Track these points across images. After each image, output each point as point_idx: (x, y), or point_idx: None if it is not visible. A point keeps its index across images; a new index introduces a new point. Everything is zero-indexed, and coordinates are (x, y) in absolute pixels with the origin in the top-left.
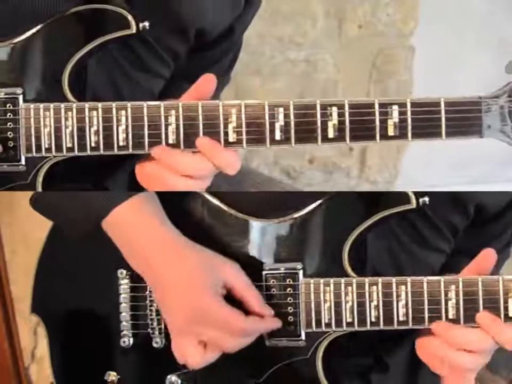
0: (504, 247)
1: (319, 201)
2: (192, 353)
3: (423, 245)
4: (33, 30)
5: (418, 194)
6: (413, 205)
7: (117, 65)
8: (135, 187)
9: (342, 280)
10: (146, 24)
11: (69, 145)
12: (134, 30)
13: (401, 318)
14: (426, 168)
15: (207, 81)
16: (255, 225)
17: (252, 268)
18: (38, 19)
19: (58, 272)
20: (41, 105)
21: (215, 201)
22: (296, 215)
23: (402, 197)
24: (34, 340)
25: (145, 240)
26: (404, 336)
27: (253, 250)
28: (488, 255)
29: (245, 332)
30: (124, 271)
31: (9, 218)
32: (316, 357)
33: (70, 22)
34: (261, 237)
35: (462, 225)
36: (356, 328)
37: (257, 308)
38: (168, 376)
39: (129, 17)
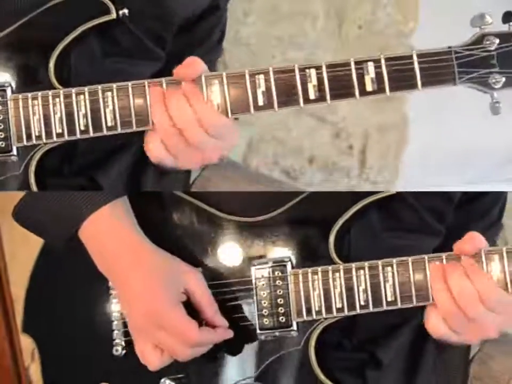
0: (494, 223)
1: (301, 196)
2: (149, 357)
3: (411, 233)
4: (18, 23)
5: None
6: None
7: (100, 52)
8: (128, 182)
9: (330, 267)
10: (126, 11)
11: (59, 130)
12: (114, 15)
13: (389, 299)
14: (426, 168)
15: (190, 64)
16: (241, 223)
17: (241, 263)
18: (21, 12)
19: (50, 284)
20: (29, 95)
21: (199, 203)
22: (280, 211)
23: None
24: (34, 341)
25: (112, 243)
26: (397, 333)
27: (241, 247)
28: (472, 238)
29: (195, 343)
30: None
31: (9, 219)
32: (308, 347)
33: (53, 12)
34: (247, 233)
35: (448, 209)
36: (346, 313)
37: (212, 317)
38: (162, 380)
39: (109, 4)
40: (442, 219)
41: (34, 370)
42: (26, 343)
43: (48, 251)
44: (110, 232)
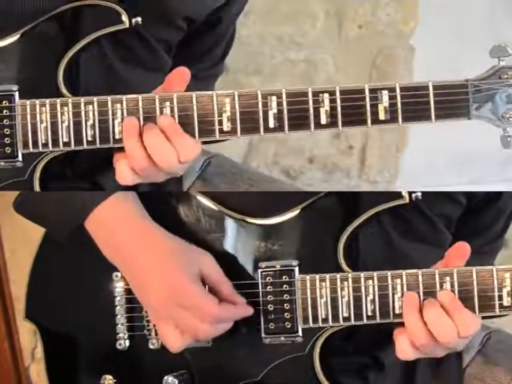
0: (496, 239)
1: (312, 199)
2: (170, 338)
3: (421, 242)
4: (27, 28)
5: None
6: (406, 199)
7: (110, 61)
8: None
9: (338, 275)
10: (139, 19)
11: (66, 139)
12: (127, 25)
13: (397, 311)
14: (426, 168)
15: (179, 74)
16: (250, 224)
17: (248, 266)
18: (30, 17)
19: (53, 277)
20: (37, 101)
21: (209, 202)
22: (291, 213)
23: (395, 193)
24: (34, 340)
25: (122, 230)
26: None
27: (249, 249)
28: (460, 249)
29: (216, 318)
30: (119, 274)
31: (9, 217)
32: (313, 353)
33: (63, 18)
34: (256, 235)
35: (455, 215)
36: (353, 322)
37: (230, 295)
38: (165, 377)
39: (122, 13)
40: (449, 226)
41: (35, 370)
42: (27, 343)
43: (50, 238)
44: (120, 219)
